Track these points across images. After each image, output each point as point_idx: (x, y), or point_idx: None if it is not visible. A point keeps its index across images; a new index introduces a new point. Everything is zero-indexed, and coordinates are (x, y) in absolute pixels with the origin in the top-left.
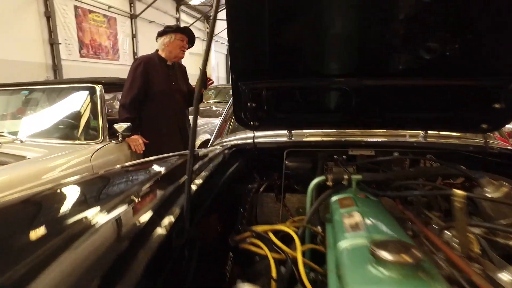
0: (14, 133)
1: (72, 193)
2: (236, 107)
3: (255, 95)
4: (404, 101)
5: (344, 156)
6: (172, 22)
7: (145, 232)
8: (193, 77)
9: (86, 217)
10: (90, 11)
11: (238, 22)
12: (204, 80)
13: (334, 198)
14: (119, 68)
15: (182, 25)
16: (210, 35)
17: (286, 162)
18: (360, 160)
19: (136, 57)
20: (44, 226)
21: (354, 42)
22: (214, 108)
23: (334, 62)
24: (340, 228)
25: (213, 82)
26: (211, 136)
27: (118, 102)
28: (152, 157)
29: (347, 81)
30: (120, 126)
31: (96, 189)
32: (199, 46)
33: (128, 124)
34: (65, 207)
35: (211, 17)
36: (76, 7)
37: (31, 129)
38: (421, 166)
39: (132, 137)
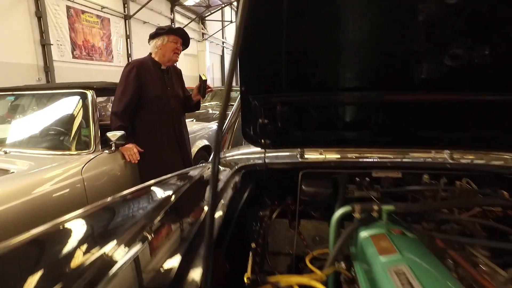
0: None
1: (78, 231)
2: (245, 123)
3: (268, 110)
4: (434, 117)
5: (367, 179)
6: (166, 22)
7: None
8: (187, 79)
9: (100, 260)
10: (83, 12)
11: (252, 28)
12: (204, 87)
13: (364, 234)
14: (113, 69)
15: (177, 26)
16: (235, 50)
17: (302, 185)
18: (386, 183)
19: (130, 58)
20: (53, 273)
21: (377, 54)
22: (210, 112)
23: (355, 75)
24: None
25: (211, 90)
26: (209, 142)
27: (111, 106)
28: (153, 181)
29: (369, 96)
30: (114, 135)
31: (103, 225)
32: (194, 47)
33: (122, 132)
34: (73, 248)
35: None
36: (68, 7)
37: (17, 138)
38: (462, 193)
39: (126, 145)
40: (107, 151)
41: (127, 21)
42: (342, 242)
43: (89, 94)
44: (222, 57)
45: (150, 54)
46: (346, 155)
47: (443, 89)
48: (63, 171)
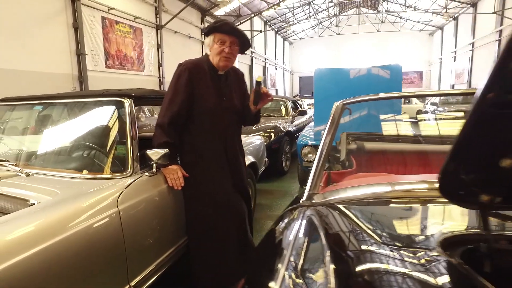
0: (22, 158)
1: None
2: (459, 163)
3: None
4: None
5: None
6: (197, 32)
7: None
8: None
9: None
10: (117, 22)
11: None
12: (258, 92)
13: None
14: (144, 78)
15: None
16: None
17: None
18: None
19: (160, 67)
20: None
21: None
22: None
23: None
24: None
25: (271, 99)
26: (255, 158)
27: (144, 113)
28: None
29: None
30: (155, 153)
31: None
32: None
33: (166, 150)
34: None
35: None
36: (103, 18)
37: (42, 156)
38: None
39: (170, 167)
40: (147, 174)
41: (158, 31)
42: None
43: (127, 103)
44: (251, 66)
45: (207, 54)
46: None
47: None
48: (95, 202)
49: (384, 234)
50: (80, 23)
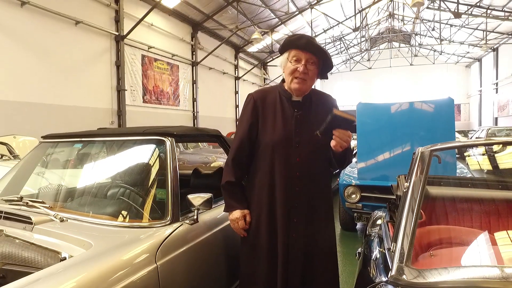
0: (58, 198)
1: None
2: None
3: None
4: None
5: None
6: (230, 68)
7: None
8: None
9: None
10: (156, 59)
11: None
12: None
13: None
14: (179, 113)
15: (240, 72)
16: None
17: None
18: None
19: (195, 102)
20: None
21: None
22: None
23: None
24: None
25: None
26: None
27: (178, 147)
28: None
29: None
30: (198, 198)
31: None
32: None
33: (209, 195)
34: None
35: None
36: (143, 56)
37: (77, 199)
38: None
39: (233, 213)
40: (188, 221)
41: (194, 67)
42: None
43: (168, 142)
44: None
45: (283, 79)
46: None
47: None
48: (130, 259)
49: None
50: (122, 61)
